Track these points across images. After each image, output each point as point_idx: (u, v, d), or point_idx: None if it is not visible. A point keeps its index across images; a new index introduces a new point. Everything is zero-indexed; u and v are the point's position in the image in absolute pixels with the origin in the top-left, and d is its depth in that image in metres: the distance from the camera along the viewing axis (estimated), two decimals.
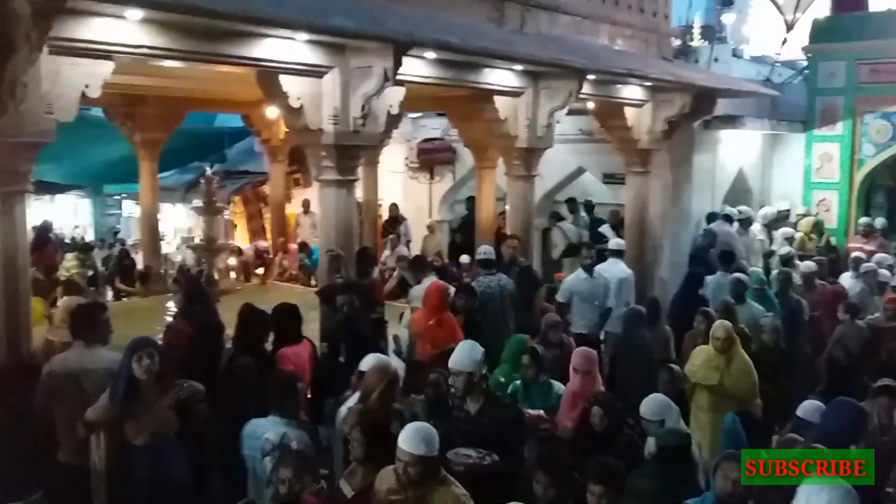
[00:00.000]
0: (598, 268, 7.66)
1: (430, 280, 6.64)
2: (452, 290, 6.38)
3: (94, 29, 4.69)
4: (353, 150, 6.50)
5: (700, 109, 9.47)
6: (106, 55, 4.84)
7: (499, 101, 7.87)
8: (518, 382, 5.18)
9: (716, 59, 17.38)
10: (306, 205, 12.02)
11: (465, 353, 4.39)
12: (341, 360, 5.49)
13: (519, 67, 7.57)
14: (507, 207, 9.24)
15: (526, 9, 7.85)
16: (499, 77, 7.59)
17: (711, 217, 10.33)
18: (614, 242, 8.51)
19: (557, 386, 5.19)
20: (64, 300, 5.52)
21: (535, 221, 9.52)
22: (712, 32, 23.78)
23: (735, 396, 5.41)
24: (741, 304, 6.84)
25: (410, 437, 3.40)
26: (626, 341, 6.49)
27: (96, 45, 4.74)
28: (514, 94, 7.87)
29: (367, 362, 4.58)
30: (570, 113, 8.46)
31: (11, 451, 4.44)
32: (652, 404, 4.58)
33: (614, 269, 7.83)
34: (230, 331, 5.30)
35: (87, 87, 4.80)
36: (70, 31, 4.57)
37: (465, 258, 9.59)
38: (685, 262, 9.68)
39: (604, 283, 7.54)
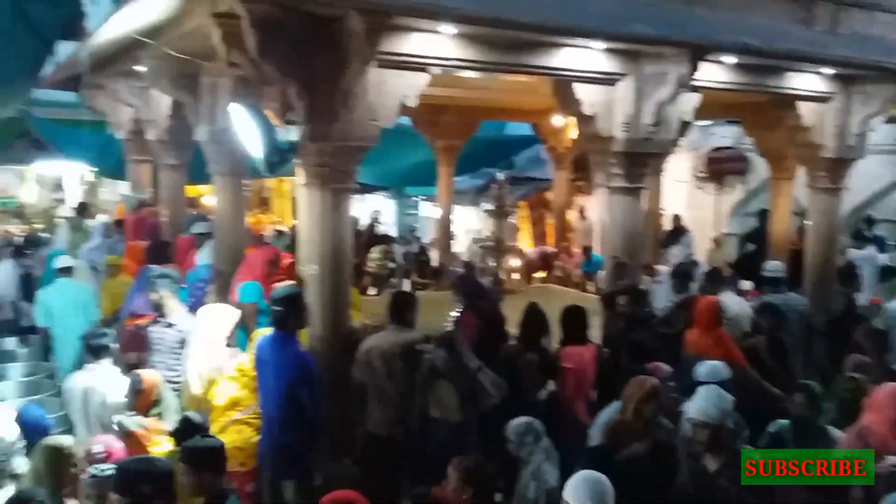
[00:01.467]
0: None
1: (726, 295, 6.35)
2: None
3: (414, 43, 5.20)
4: (643, 158, 6.47)
5: None
6: (422, 67, 5.33)
7: (802, 107, 7.31)
8: (786, 421, 4.38)
9: None
10: (582, 211, 12.14)
11: (711, 402, 3.71)
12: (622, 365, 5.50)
13: (829, 71, 6.98)
14: (805, 222, 8.52)
15: (840, 8, 7.20)
16: (804, 81, 7.06)
17: None
18: None
19: (834, 432, 4.29)
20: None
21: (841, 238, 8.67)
22: None
23: None
24: None
25: (576, 490, 2.96)
26: None
27: (415, 58, 5.25)
28: (820, 99, 7.27)
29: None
30: (890, 121, 7.61)
31: (327, 418, 4.99)
32: None
33: None
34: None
35: (405, 96, 5.33)
36: (394, 45, 5.10)
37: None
38: None
39: None
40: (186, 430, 4.02)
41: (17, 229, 13.67)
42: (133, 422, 4.49)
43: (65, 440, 3.88)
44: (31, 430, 4.05)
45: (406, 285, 9.12)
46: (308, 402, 4.49)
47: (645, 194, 6.89)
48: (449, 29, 5.17)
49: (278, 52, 4.62)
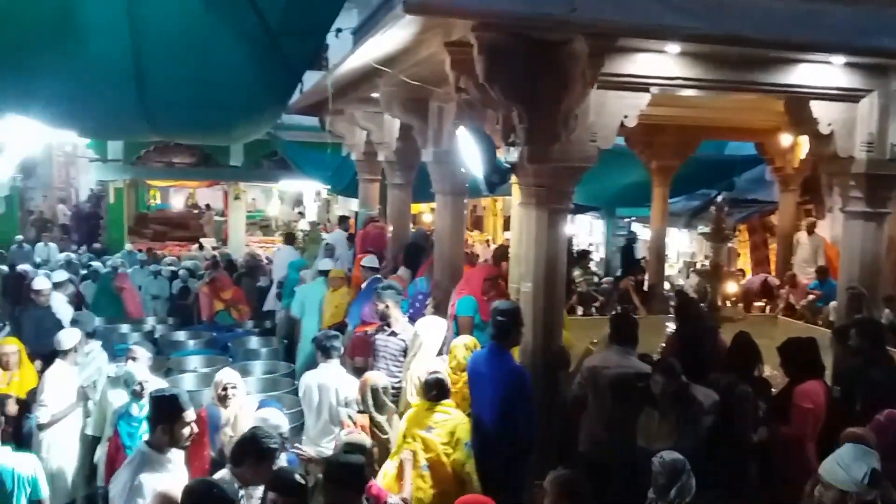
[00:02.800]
0: None
1: None
2: None
3: (637, 63, 5.18)
4: (888, 181, 5.92)
5: None
6: (644, 87, 5.30)
7: None
8: None
9: None
10: (811, 226, 11.19)
11: (847, 462, 3.19)
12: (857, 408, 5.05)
13: None
14: None
15: None
16: None
17: None
18: None
19: None
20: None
21: None
22: None
23: None
24: None
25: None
26: None
27: (637, 78, 5.23)
28: None
29: None
30: None
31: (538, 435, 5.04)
32: None
33: None
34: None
35: (625, 117, 5.32)
36: (616, 66, 5.12)
37: None
38: None
39: None
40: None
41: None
42: (361, 417, 4.88)
43: (366, 440, 4.24)
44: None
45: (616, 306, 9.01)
46: (523, 418, 4.58)
47: (889, 219, 6.29)
48: (674, 48, 5.10)
49: (504, 77, 4.82)
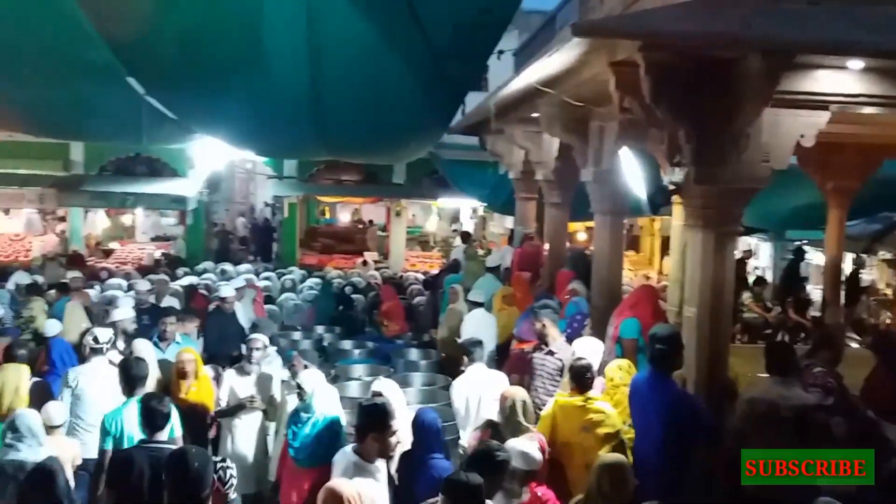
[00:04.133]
0: None
1: None
2: None
3: (816, 80, 4.91)
4: None
5: None
6: (823, 105, 5.02)
7: None
8: None
9: None
10: None
11: None
12: None
13: None
14: None
15: None
16: None
17: None
18: None
19: None
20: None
21: None
22: None
23: None
24: None
25: None
26: None
27: (815, 95, 4.96)
28: None
29: None
30: None
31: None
32: None
33: None
34: None
35: (802, 136, 5.07)
36: (792, 83, 4.86)
37: None
38: None
39: None
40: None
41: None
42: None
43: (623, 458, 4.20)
44: (426, 432, 4.62)
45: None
46: (704, 444, 4.43)
47: None
48: (857, 64, 4.79)
49: (671, 97, 4.74)
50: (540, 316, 6.26)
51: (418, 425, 4.58)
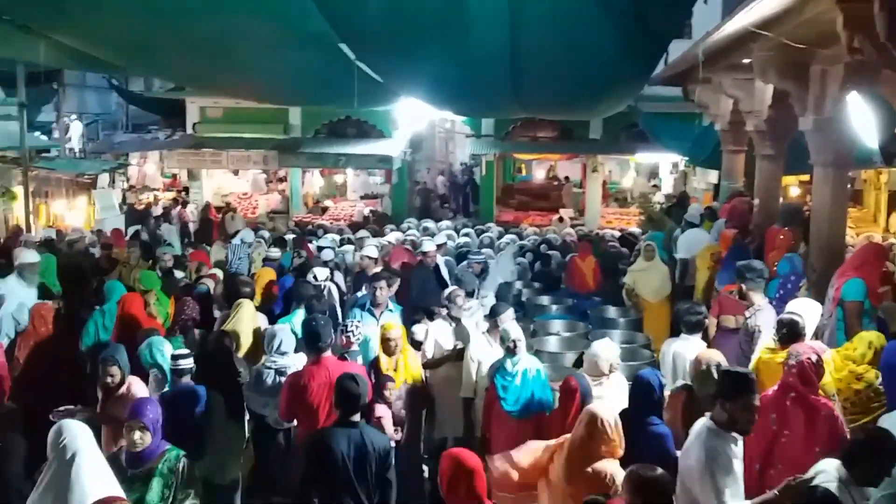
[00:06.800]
0: None
1: None
2: None
3: None
4: None
5: None
6: None
7: None
8: None
9: None
10: None
11: None
12: None
13: None
14: None
15: None
16: None
17: None
18: None
19: None
20: None
21: None
22: None
23: None
24: None
25: None
26: None
27: None
28: None
29: None
30: None
31: None
32: None
33: None
34: None
35: None
36: None
37: None
38: None
39: None
40: None
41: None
42: None
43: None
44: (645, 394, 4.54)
45: None
46: None
47: None
48: None
49: None
50: (745, 279, 5.96)
51: (638, 386, 4.49)
